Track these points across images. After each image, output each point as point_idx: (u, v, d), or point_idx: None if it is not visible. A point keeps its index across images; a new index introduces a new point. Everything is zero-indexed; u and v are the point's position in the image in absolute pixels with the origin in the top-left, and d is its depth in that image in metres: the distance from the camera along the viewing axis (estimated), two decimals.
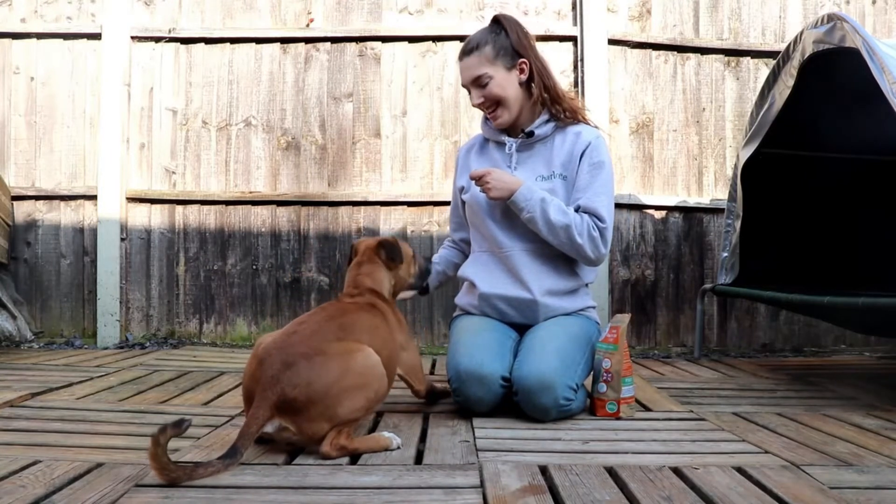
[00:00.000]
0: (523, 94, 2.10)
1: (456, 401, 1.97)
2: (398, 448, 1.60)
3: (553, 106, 2.11)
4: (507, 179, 2.01)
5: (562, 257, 2.10)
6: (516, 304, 2.09)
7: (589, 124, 2.16)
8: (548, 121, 2.12)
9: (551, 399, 1.84)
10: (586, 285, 2.19)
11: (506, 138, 2.15)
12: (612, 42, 3.54)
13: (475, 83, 2.09)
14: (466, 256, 2.31)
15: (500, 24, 2.10)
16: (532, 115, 2.13)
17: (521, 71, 2.08)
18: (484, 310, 2.14)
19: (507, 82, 2.07)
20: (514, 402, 1.92)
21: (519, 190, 1.99)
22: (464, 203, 2.23)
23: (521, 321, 2.11)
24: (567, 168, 2.09)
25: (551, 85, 2.11)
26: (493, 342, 1.99)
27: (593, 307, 2.20)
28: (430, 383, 2.08)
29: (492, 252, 2.13)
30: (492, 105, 2.10)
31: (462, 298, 2.24)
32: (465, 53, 2.10)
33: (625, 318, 2.01)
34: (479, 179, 2.01)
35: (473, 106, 2.14)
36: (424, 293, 2.18)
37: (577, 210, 2.05)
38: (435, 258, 2.33)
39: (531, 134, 2.11)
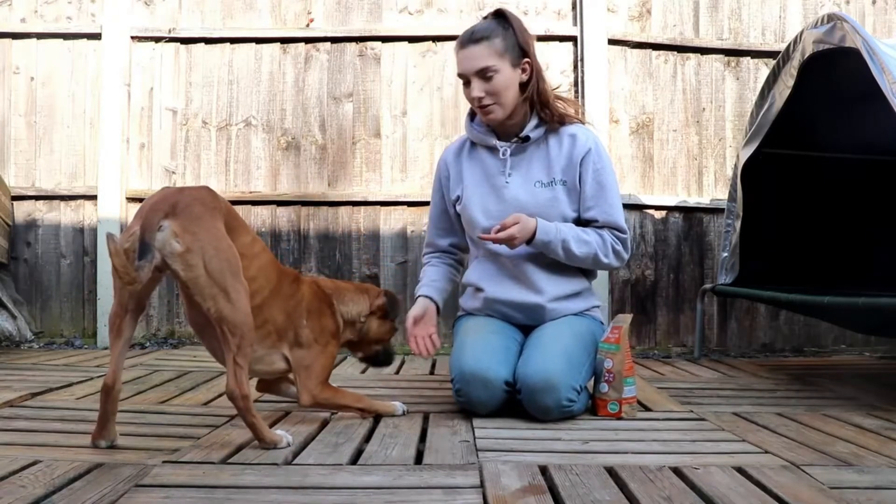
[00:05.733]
0: (519, 95, 2.04)
1: (458, 402, 1.97)
2: (287, 445, 1.58)
3: (543, 110, 2.05)
4: (524, 228, 1.95)
5: None
6: (524, 308, 2.08)
7: (583, 122, 2.13)
8: (538, 124, 2.07)
9: (554, 399, 1.84)
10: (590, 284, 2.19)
11: (497, 143, 2.08)
12: (611, 42, 3.54)
13: (479, 74, 1.98)
14: (460, 263, 2.28)
15: (506, 19, 2.02)
16: (521, 116, 2.07)
17: (524, 71, 2.01)
18: (489, 313, 2.13)
19: (510, 80, 1.99)
20: (515, 402, 1.91)
21: (536, 237, 1.96)
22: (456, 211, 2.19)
23: (526, 323, 2.11)
24: (567, 173, 2.06)
25: (544, 89, 2.05)
26: (499, 345, 1.98)
27: (598, 306, 2.19)
28: (319, 399, 1.84)
29: (495, 258, 2.10)
30: (490, 101, 2.01)
31: (466, 301, 2.21)
32: (471, 42, 1.99)
33: (627, 318, 2.01)
34: (504, 241, 1.94)
35: (469, 98, 2.04)
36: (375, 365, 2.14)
37: (593, 223, 2.05)
38: (430, 275, 2.20)
39: (527, 139, 2.06)
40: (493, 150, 2.11)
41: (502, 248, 2.03)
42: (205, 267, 1.49)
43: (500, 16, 2.04)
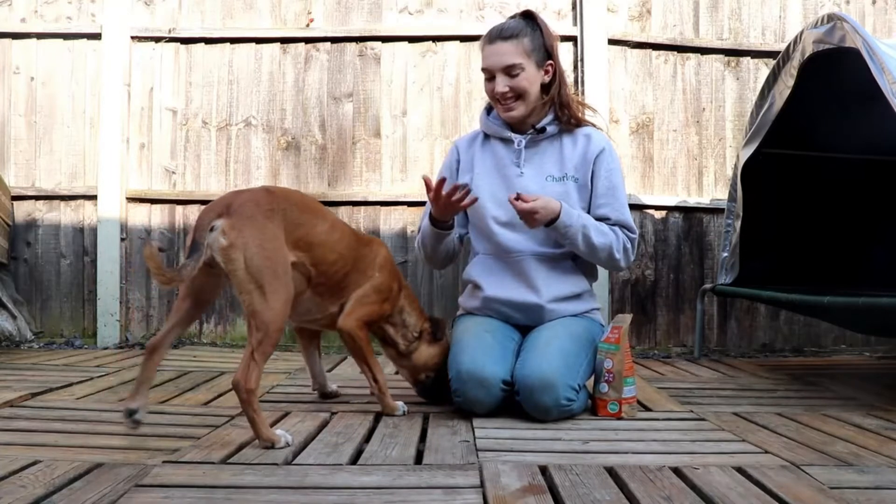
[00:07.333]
0: (541, 95, 2.09)
1: (456, 401, 1.97)
2: (286, 445, 1.58)
3: (561, 110, 2.11)
4: (548, 206, 1.94)
5: (571, 262, 2.11)
6: (523, 308, 2.09)
7: (595, 126, 2.17)
8: (553, 120, 2.11)
9: (553, 399, 1.84)
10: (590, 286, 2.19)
11: (512, 135, 2.12)
12: (612, 42, 3.54)
13: (505, 70, 2.03)
14: (460, 240, 2.28)
15: (534, 20, 2.08)
16: (539, 115, 2.12)
17: (547, 72, 2.08)
18: (487, 312, 2.14)
19: (534, 79, 2.05)
20: (515, 402, 1.92)
21: (560, 219, 1.96)
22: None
23: (525, 323, 2.11)
24: (579, 171, 2.09)
25: (566, 92, 2.12)
26: (496, 345, 1.98)
27: (597, 309, 2.20)
28: (354, 332, 1.90)
29: (497, 256, 2.11)
30: (512, 97, 2.05)
31: (466, 301, 2.22)
32: (500, 38, 2.03)
33: (627, 319, 2.01)
34: (527, 214, 1.92)
35: (491, 94, 2.08)
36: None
37: (605, 221, 2.06)
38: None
39: (542, 130, 2.09)
40: (506, 141, 2.14)
41: (512, 240, 2.06)
42: (245, 262, 1.58)
43: (528, 17, 2.09)
